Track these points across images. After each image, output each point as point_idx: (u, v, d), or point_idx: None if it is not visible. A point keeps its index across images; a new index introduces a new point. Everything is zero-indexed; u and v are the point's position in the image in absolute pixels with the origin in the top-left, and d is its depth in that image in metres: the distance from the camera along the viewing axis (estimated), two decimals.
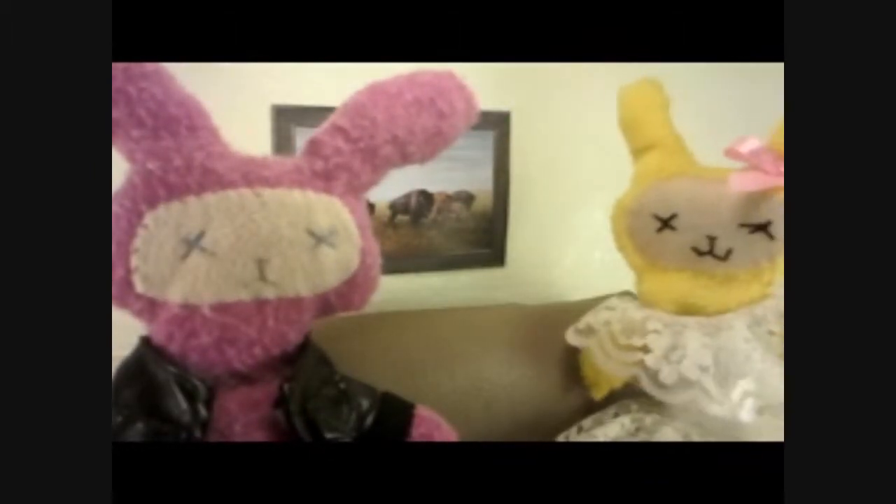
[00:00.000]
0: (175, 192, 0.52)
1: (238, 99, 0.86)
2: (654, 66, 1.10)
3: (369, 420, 0.62)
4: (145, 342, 0.56)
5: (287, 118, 0.91)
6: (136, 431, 0.51)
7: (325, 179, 0.58)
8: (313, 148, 0.59)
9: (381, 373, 0.73)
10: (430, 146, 0.62)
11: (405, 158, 0.62)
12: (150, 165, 0.52)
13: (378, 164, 0.60)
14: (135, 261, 0.51)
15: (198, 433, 0.51)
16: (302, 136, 0.92)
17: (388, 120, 0.59)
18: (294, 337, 0.59)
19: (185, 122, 0.53)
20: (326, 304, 0.61)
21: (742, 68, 1.13)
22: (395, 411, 0.65)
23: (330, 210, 0.57)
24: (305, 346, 0.62)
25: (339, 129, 0.59)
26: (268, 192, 0.54)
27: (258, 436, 0.55)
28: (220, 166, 0.53)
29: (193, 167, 0.52)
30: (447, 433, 0.66)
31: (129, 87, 0.49)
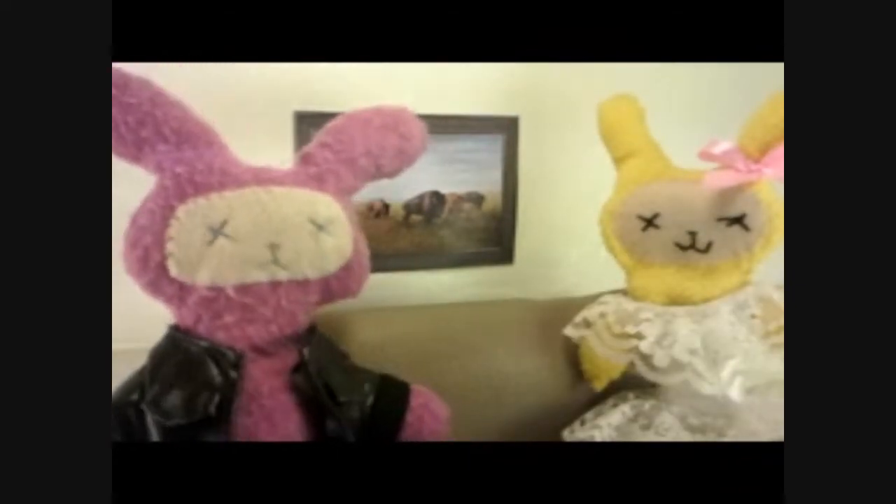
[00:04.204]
0: (201, 189, 0.60)
1: (264, 106, 0.93)
2: (655, 68, 1.14)
3: (370, 400, 0.68)
4: (174, 328, 0.63)
5: (307, 123, 0.95)
6: (174, 397, 0.57)
7: (318, 181, 0.67)
8: (306, 158, 0.69)
9: (396, 363, 0.77)
10: (396, 162, 0.73)
11: (378, 170, 0.72)
12: (178, 170, 0.60)
13: (357, 173, 0.70)
14: (169, 247, 0.59)
15: (229, 394, 0.58)
16: None
17: (363, 137, 0.70)
18: (302, 319, 0.67)
19: (203, 138, 0.63)
20: (328, 289, 0.68)
21: (742, 68, 1.15)
22: (394, 387, 0.71)
23: (326, 204, 0.66)
24: (313, 328, 0.69)
25: (325, 145, 0.69)
26: (277, 189, 0.63)
27: (283, 398, 0.63)
28: (234, 170, 0.63)
29: (214, 169, 0.61)
30: (438, 406, 0.72)
31: (156, 112, 0.59)
